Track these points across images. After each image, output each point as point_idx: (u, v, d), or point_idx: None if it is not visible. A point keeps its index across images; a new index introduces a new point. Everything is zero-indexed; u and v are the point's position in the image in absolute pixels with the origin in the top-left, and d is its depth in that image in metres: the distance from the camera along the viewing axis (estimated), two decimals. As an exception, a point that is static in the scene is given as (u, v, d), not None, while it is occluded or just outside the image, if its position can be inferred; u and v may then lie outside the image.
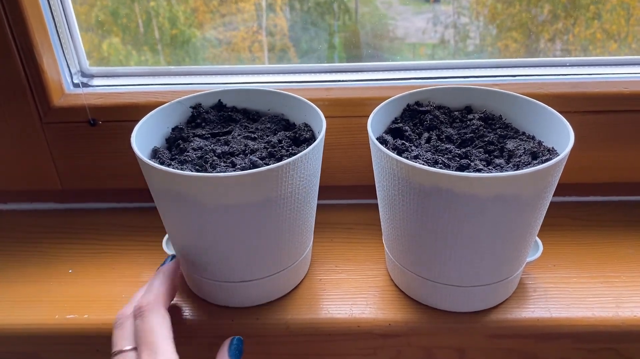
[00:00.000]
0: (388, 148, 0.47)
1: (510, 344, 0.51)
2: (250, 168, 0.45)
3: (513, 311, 0.51)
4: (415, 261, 0.49)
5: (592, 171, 0.63)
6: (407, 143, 0.47)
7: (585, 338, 0.50)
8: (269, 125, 0.53)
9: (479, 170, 0.44)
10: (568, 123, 0.47)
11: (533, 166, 0.45)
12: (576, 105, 0.58)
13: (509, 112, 0.53)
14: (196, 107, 0.55)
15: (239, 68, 0.64)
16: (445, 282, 0.48)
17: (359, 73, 0.62)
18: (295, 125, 0.53)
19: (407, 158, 0.45)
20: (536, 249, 0.53)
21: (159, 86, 0.62)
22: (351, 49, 0.65)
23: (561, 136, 0.47)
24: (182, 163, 0.47)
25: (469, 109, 0.55)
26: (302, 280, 0.55)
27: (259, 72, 0.64)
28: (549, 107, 0.50)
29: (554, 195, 0.65)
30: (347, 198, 0.66)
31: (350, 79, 0.62)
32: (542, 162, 0.45)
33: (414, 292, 0.52)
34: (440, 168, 0.45)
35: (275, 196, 0.44)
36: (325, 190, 0.62)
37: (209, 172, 0.45)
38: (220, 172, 0.45)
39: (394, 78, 0.62)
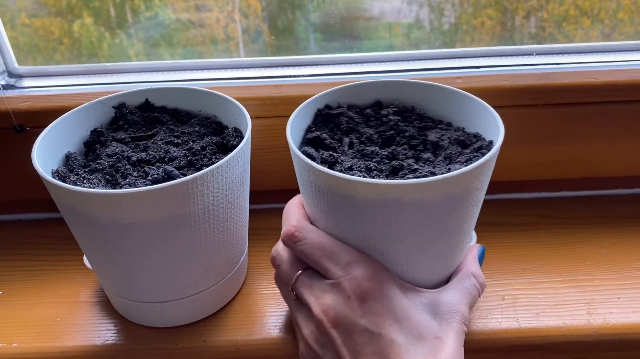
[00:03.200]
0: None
1: (475, 359, 0.48)
2: (163, 179, 0.41)
3: (480, 322, 0.47)
4: None
5: (562, 166, 0.60)
6: (335, 154, 0.43)
7: (555, 349, 0.47)
8: (197, 129, 0.49)
9: (414, 170, 0.41)
10: (481, 100, 0.45)
11: (467, 155, 0.42)
12: (544, 98, 0.55)
13: (421, 101, 0.50)
14: (119, 107, 0.50)
15: (188, 63, 0.59)
16: None
17: (314, 67, 0.58)
18: (229, 129, 0.49)
19: (340, 171, 0.41)
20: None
21: (96, 86, 0.57)
22: (327, 28, 0.62)
23: (479, 116, 0.45)
24: (91, 172, 0.43)
25: (379, 104, 0.51)
26: (237, 295, 0.51)
27: (211, 67, 0.59)
28: (460, 90, 0.47)
29: (523, 192, 0.62)
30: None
31: (303, 74, 0.57)
32: (476, 150, 0.42)
33: None
34: (376, 175, 0.41)
35: (184, 214, 0.40)
36: (275, 194, 0.58)
37: (120, 182, 0.42)
38: (131, 182, 0.41)
39: (354, 72, 0.58)
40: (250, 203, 0.51)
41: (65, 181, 0.42)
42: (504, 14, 0.61)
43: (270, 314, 0.49)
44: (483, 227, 0.57)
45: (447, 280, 0.46)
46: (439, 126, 0.48)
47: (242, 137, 0.46)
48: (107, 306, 0.50)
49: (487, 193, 0.61)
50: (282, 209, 0.61)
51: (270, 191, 0.59)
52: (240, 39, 0.64)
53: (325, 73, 0.58)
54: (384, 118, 0.49)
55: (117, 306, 0.49)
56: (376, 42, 0.63)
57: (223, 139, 0.47)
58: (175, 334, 0.47)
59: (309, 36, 0.63)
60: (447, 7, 0.62)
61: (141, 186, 0.40)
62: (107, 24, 0.62)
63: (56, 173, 0.43)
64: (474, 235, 0.51)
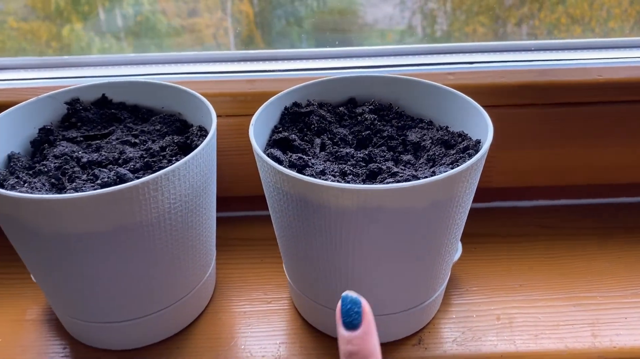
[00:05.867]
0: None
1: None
2: (114, 183, 0.37)
3: (472, 344, 0.43)
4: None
5: (562, 171, 0.56)
6: (305, 157, 0.39)
7: (557, 376, 0.43)
8: (158, 127, 0.44)
9: (394, 174, 0.37)
10: (466, 96, 0.42)
11: (452, 157, 0.39)
12: (543, 97, 0.52)
13: (399, 99, 0.47)
14: (72, 103, 0.46)
15: (152, 56, 0.56)
16: (377, 312, 0.40)
17: (289, 61, 0.54)
18: (193, 127, 0.44)
19: (311, 175, 0.37)
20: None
21: (51, 80, 0.53)
22: (319, 34, 0.61)
23: (464, 114, 0.42)
24: (35, 175, 0.39)
25: (353, 102, 0.47)
26: (202, 313, 0.47)
27: (178, 60, 0.56)
28: (442, 86, 0.44)
29: (520, 199, 0.58)
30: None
31: (278, 69, 0.53)
32: (462, 151, 0.39)
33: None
34: (351, 179, 0.37)
35: (135, 223, 0.35)
36: (247, 200, 0.55)
37: (66, 187, 0.38)
38: (77, 187, 0.37)
39: (333, 67, 0.54)
40: (220, 210, 0.46)
41: (2, 186, 0.38)
42: (496, 22, 0.61)
43: (239, 335, 0.45)
44: (475, 238, 0.54)
45: (430, 297, 0.42)
46: (420, 125, 0.45)
47: (206, 136, 0.42)
48: (57, 326, 0.46)
49: (480, 200, 0.58)
50: (255, 217, 0.57)
51: (241, 198, 0.56)
52: (232, 44, 0.63)
53: (306, 68, 0.54)
54: (359, 117, 0.45)
55: (68, 326, 0.45)
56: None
57: (186, 139, 0.42)
58: (131, 358, 0.43)
59: (302, 43, 0.62)
60: (440, 14, 0.62)
61: (88, 191, 0.36)
62: (96, 28, 0.61)
63: None
64: (459, 246, 0.47)
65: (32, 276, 0.45)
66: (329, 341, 0.43)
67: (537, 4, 0.59)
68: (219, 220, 0.47)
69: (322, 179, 0.36)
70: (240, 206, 0.57)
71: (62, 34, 0.60)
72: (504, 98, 0.51)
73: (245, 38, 0.63)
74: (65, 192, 0.37)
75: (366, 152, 0.41)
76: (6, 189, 0.37)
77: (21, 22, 0.59)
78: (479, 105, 0.41)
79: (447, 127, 0.43)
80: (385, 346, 0.43)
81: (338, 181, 0.36)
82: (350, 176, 0.38)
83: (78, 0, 0.59)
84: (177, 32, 0.62)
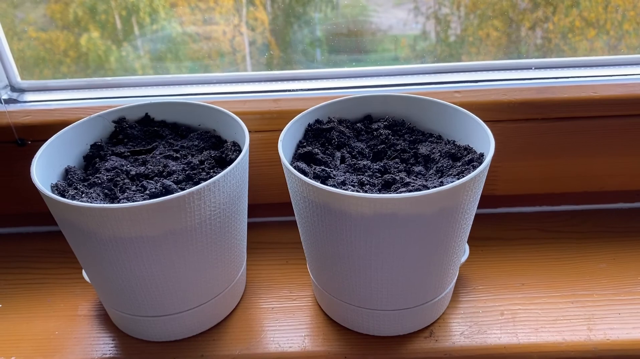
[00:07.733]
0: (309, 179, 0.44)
1: (474, 375, 0.47)
2: (161, 194, 0.41)
3: (478, 337, 0.47)
4: (361, 296, 0.45)
5: (562, 180, 0.59)
6: (327, 169, 0.43)
7: (555, 365, 0.47)
8: (196, 143, 0.49)
9: (407, 184, 0.41)
10: (471, 113, 0.45)
11: (459, 168, 0.43)
12: (543, 112, 0.55)
13: (411, 115, 0.50)
14: (119, 122, 0.50)
15: (188, 77, 0.60)
16: (392, 307, 0.45)
17: (312, 81, 0.58)
18: (227, 143, 0.49)
19: (333, 186, 0.41)
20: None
21: (97, 100, 0.57)
22: (333, 41, 0.62)
23: (469, 129, 0.46)
24: (90, 186, 0.43)
25: (369, 118, 0.51)
26: (235, 309, 0.51)
27: (211, 81, 0.59)
28: (450, 103, 0.48)
29: (522, 206, 0.62)
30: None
31: (303, 88, 0.57)
32: (467, 163, 0.43)
33: (357, 324, 0.48)
34: (369, 189, 0.41)
35: (181, 228, 0.40)
36: (274, 207, 0.58)
37: (118, 196, 0.42)
38: (129, 196, 0.41)
39: (357, 86, 0.58)
40: (249, 216, 0.51)
41: (63, 196, 0.42)
42: (510, 26, 0.61)
43: (268, 328, 0.49)
44: (482, 241, 0.57)
45: (439, 294, 0.46)
46: (430, 139, 0.48)
47: (240, 151, 0.46)
48: (105, 320, 0.50)
49: (486, 206, 0.61)
50: (281, 222, 0.61)
51: (269, 205, 0.60)
52: (247, 51, 0.64)
53: (325, 88, 0.58)
54: (375, 132, 0.49)
55: (116, 320, 0.49)
56: (382, 55, 0.63)
57: (221, 153, 0.47)
58: (173, 349, 0.47)
59: (316, 49, 0.63)
60: (453, 19, 0.63)
61: (139, 201, 0.41)
62: (113, 37, 0.63)
63: (55, 187, 0.44)
64: (466, 248, 0.51)
65: (84, 274, 0.50)
66: (349, 334, 0.48)
67: (551, 7, 0.59)
68: (249, 225, 0.51)
69: (343, 189, 0.40)
70: (268, 213, 0.60)
71: (80, 42, 0.62)
72: (506, 114, 0.54)
73: (260, 45, 0.64)
74: (118, 202, 0.42)
75: (381, 164, 0.45)
76: (67, 199, 0.41)
77: (40, 31, 0.60)
78: (482, 122, 0.44)
79: (454, 141, 0.47)
80: (399, 338, 0.47)
81: (357, 190, 0.41)
82: (368, 186, 0.42)
83: (95, 10, 0.60)
84: (192, 39, 0.63)
